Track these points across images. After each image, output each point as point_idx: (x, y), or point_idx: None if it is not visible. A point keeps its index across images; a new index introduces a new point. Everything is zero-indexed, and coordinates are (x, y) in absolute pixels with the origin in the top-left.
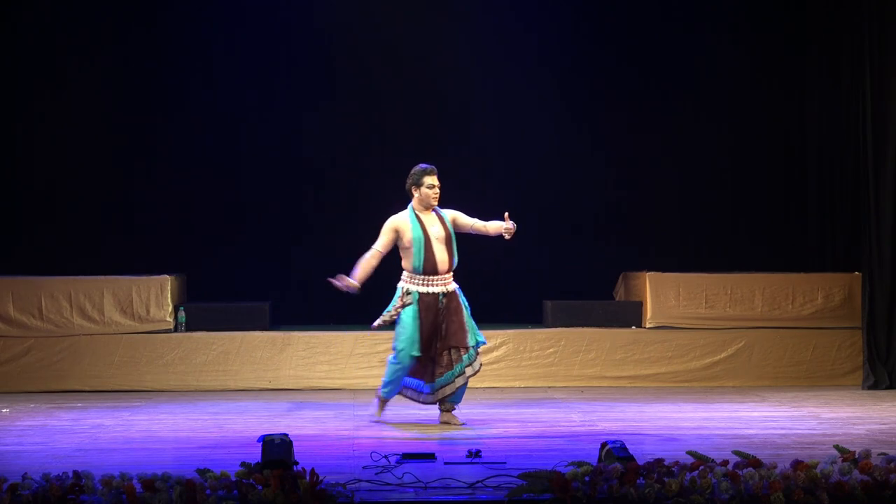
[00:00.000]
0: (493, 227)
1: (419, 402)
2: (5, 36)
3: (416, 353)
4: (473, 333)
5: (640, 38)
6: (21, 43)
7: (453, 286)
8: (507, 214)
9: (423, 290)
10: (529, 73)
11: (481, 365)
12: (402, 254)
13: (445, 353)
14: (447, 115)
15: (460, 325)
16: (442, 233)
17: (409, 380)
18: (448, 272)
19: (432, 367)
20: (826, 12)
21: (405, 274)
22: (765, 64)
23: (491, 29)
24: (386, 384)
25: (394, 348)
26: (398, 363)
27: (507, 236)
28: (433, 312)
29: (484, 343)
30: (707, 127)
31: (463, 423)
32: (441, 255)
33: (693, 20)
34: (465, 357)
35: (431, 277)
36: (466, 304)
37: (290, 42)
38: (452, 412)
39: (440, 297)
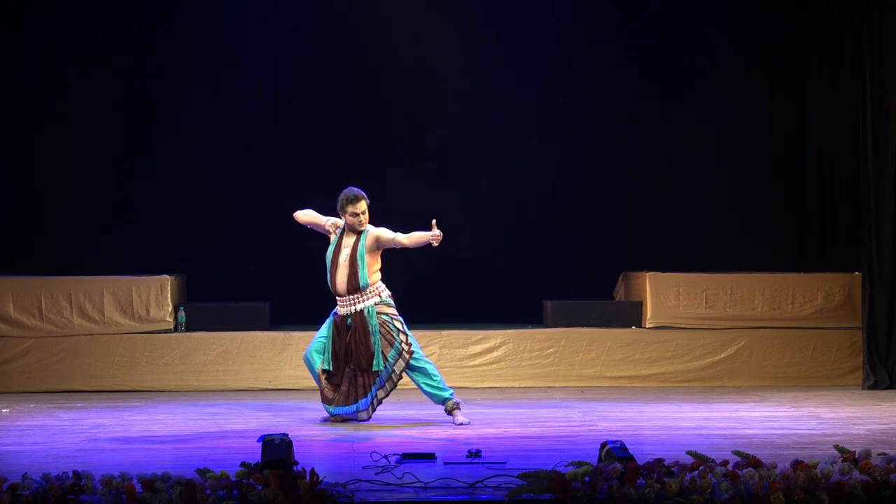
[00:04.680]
0: (417, 237)
1: (357, 420)
2: (8, 39)
3: (324, 366)
4: (378, 358)
5: (639, 39)
6: (23, 45)
7: (360, 306)
8: (434, 221)
9: (338, 310)
10: (529, 74)
11: (402, 371)
12: None
13: (360, 376)
14: (447, 117)
15: (366, 349)
16: (348, 254)
17: (340, 409)
18: (349, 294)
19: (354, 389)
20: (826, 12)
21: None
22: (765, 64)
23: (492, 32)
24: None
25: None
26: (307, 367)
27: (434, 243)
28: (343, 336)
29: (393, 360)
30: (707, 127)
31: (468, 423)
32: (340, 277)
33: (693, 20)
34: (376, 381)
35: (338, 298)
36: (376, 327)
37: (291, 45)
38: (456, 410)
39: (347, 320)
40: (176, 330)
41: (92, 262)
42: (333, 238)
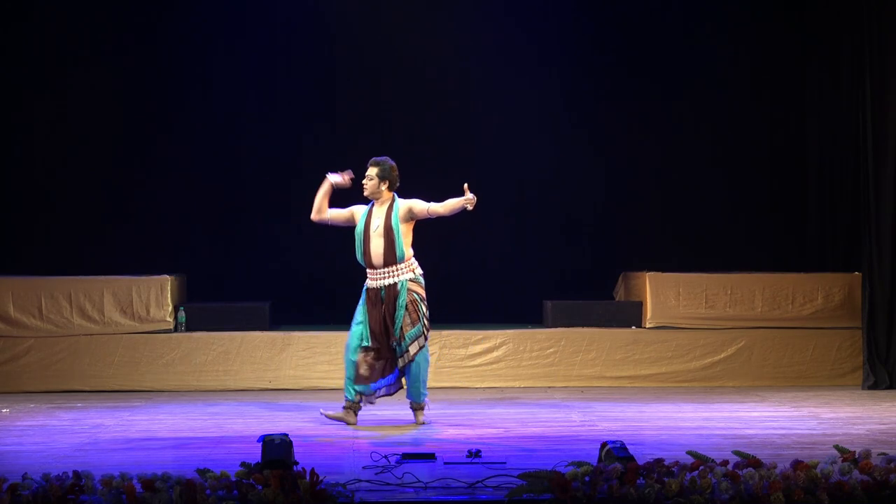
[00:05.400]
0: (452, 204)
1: (389, 394)
2: (8, 39)
3: (364, 343)
4: (396, 329)
5: (639, 39)
6: (24, 45)
7: (394, 279)
8: (466, 186)
9: (368, 283)
10: (529, 74)
11: (414, 354)
12: None
13: (389, 352)
14: (447, 116)
15: (390, 321)
16: (381, 225)
17: (376, 384)
18: (386, 266)
19: (388, 362)
20: (826, 12)
21: None
22: (765, 63)
23: (492, 32)
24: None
25: None
26: (346, 358)
27: (469, 207)
28: (378, 307)
29: (410, 339)
30: (707, 127)
31: (426, 423)
32: (376, 249)
33: (693, 20)
34: (396, 349)
35: (371, 271)
36: (404, 302)
37: (289, 43)
38: (420, 411)
39: (381, 292)
40: (176, 330)
41: (92, 262)
42: (363, 212)
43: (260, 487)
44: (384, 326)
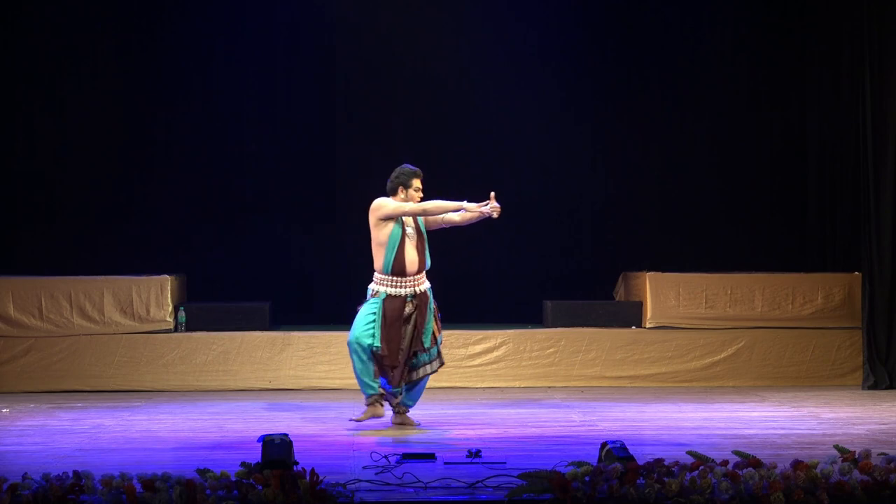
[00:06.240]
0: (469, 214)
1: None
2: (8, 40)
3: (374, 343)
4: (428, 335)
5: (639, 39)
6: (24, 46)
7: (424, 287)
8: (493, 194)
9: (392, 291)
10: (529, 74)
11: (441, 364)
12: (374, 251)
13: (412, 355)
14: (447, 115)
15: (421, 328)
16: (415, 233)
17: (387, 386)
18: (418, 273)
19: (405, 370)
20: (826, 13)
21: (375, 276)
22: (765, 64)
23: (493, 31)
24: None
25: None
26: (353, 353)
27: (494, 215)
28: (399, 314)
29: (439, 345)
30: (707, 127)
31: (418, 424)
32: (412, 256)
33: (693, 21)
34: (423, 357)
35: (399, 279)
36: (433, 308)
37: (289, 43)
38: (407, 413)
39: (408, 299)
40: (176, 330)
41: (92, 262)
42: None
43: (260, 487)
44: (400, 336)
